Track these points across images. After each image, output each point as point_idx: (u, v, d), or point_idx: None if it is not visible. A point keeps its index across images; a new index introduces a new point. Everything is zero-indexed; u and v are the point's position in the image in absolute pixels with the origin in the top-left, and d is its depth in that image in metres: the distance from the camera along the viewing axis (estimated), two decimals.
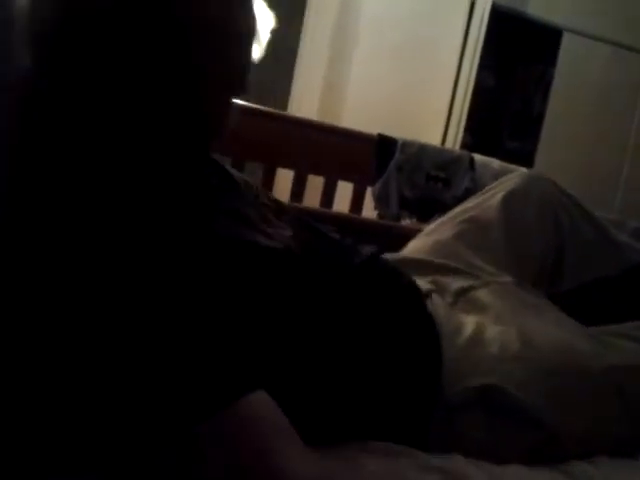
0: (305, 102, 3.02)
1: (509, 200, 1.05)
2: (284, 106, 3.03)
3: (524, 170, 2.32)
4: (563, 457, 0.78)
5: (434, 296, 0.91)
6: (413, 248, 1.08)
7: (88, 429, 0.51)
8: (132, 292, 0.52)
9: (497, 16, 3.16)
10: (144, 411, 0.49)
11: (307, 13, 3.06)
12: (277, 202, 0.82)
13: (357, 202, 2.22)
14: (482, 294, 0.93)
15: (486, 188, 1.14)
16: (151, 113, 0.64)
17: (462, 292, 0.93)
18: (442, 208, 2.05)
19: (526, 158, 3.44)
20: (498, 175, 2.10)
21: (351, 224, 1.36)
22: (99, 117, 0.62)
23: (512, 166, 2.38)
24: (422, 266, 0.99)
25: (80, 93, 0.61)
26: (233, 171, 0.80)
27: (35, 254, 0.53)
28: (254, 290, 0.63)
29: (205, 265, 0.58)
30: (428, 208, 2.06)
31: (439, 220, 1.12)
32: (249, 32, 0.68)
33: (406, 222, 2.06)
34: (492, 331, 0.83)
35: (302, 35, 3.06)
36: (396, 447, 0.71)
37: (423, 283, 0.93)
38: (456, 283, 0.95)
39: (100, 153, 0.62)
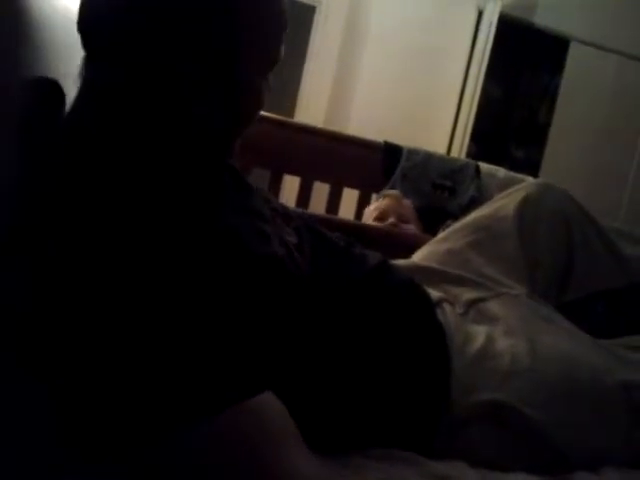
0: (312, 109, 3.03)
1: (523, 209, 1.04)
2: (291, 113, 3.04)
3: (531, 179, 2.32)
4: (569, 469, 0.77)
5: (445, 305, 0.90)
6: (424, 255, 1.06)
7: (90, 419, 0.51)
8: (150, 293, 0.53)
9: (504, 25, 3.17)
10: (154, 400, 0.50)
11: (315, 21, 3.08)
12: (284, 208, 0.82)
13: (362, 209, 2.22)
14: (493, 305, 0.92)
15: (497, 196, 1.12)
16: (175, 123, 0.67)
17: (473, 302, 0.92)
18: (448, 217, 2.05)
19: (532, 167, 3.45)
20: (504, 184, 2.10)
21: (356, 231, 1.36)
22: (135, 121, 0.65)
23: (518, 175, 2.38)
24: (433, 275, 0.98)
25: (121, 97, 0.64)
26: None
27: (57, 245, 0.54)
28: (268, 296, 0.64)
29: (220, 264, 0.59)
30: (434, 216, 2.06)
31: (451, 227, 1.10)
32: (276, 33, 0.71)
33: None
34: (503, 343, 0.83)
35: (310, 42, 3.08)
36: (401, 454, 0.71)
37: (434, 292, 0.92)
38: (467, 293, 0.94)
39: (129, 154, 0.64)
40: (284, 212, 0.80)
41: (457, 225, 1.10)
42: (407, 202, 2.01)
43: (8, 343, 0.51)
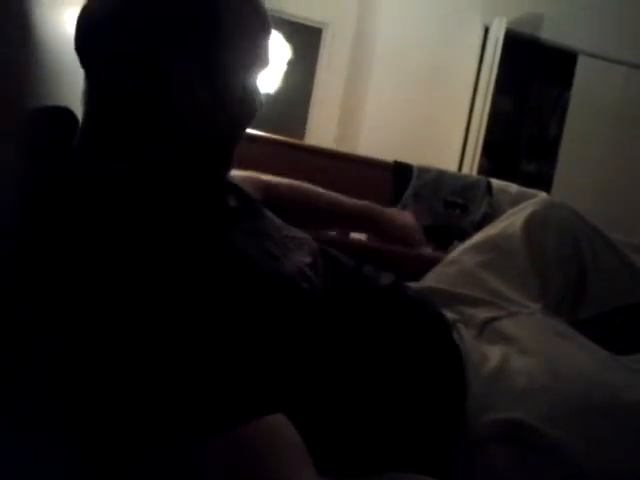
0: (322, 131, 3.05)
1: (529, 226, 1.04)
2: (301, 135, 3.06)
3: (543, 195, 2.31)
4: None
5: (459, 326, 0.89)
6: (435, 278, 1.06)
7: (95, 429, 0.52)
8: (161, 313, 0.53)
9: (511, 41, 3.19)
10: (160, 416, 0.50)
11: (322, 44, 3.11)
12: (296, 230, 0.83)
13: None
14: (508, 325, 0.91)
15: (504, 215, 1.13)
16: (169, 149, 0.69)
17: (487, 323, 0.92)
18: (460, 234, 2.04)
19: (544, 181, 3.44)
20: (516, 200, 2.09)
21: (369, 252, 1.36)
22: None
23: (530, 190, 2.37)
24: (446, 296, 0.98)
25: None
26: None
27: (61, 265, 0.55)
28: (278, 316, 0.64)
29: (229, 283, 0.60)
30: (446, 234, 2.05)
31: (459, 249, 1.10)
32: (254, 62, 0.72)
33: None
34: (519, 362, 0.82)
35: (318, 65, 3.11)
36: (414, 478, 0.70)
37: (448, 313, 0.92)
38: (481, 314, 0.93)
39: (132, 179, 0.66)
40: (296, 234, 0.81)
41: (465, 245, 1.10)
42: None
43: (10, 347, 0.52)
